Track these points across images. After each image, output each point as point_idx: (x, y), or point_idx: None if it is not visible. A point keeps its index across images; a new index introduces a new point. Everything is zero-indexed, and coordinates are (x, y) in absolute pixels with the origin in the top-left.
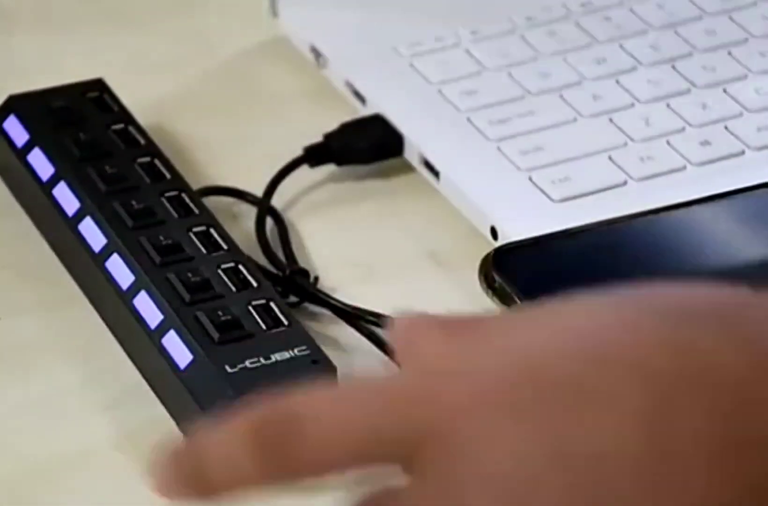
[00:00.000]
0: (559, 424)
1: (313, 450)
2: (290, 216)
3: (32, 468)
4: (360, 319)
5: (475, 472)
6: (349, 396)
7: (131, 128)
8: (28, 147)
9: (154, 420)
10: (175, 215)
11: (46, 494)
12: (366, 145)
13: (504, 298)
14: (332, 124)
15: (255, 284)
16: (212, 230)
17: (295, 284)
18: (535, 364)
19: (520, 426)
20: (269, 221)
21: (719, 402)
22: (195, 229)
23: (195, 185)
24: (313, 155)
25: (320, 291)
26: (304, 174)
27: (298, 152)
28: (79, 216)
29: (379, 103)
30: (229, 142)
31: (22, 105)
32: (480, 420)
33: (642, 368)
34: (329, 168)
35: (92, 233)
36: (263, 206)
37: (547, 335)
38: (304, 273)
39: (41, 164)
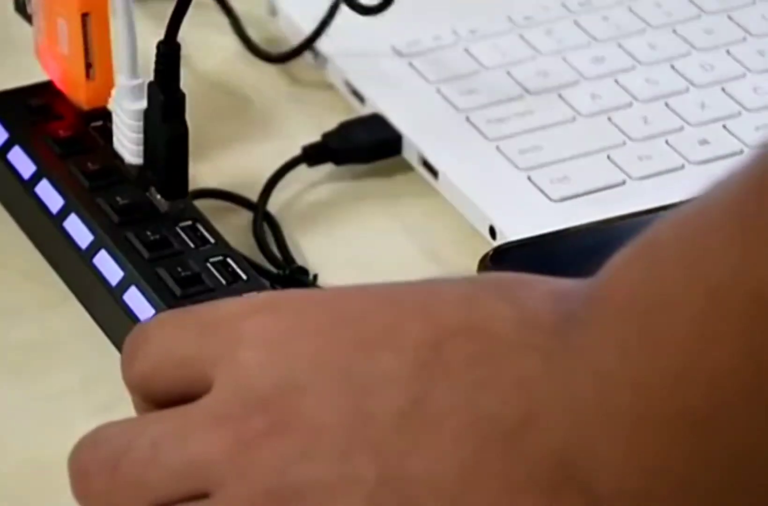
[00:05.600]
0: (344, 350)
1: None
2: (289, 215)
3: (30, 470)
4: None
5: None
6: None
7: (110, 124)
8: (7, 145)
9: None
10: (161, 210)
11: (45, 495)
12: (365, 144)
13: None
14: (331, 124)
15: (245, 277)
16: (199, 225)
17: (295, 282)
18: (327, 298)
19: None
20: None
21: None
22: (182, 223)
23: (193, 185)
24: (312, 155)
25: (320, 288)
26: (303, 174)
27: (296, 151)
28: (64, 213)
29: (377, 103)
30: (227, 140)
31: (0, 103)
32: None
33: (425, 309)
34: (328, 167)
35: (78, 230)
36: (259, 205)
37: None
38: (304, 271)
39: (22, 162)
